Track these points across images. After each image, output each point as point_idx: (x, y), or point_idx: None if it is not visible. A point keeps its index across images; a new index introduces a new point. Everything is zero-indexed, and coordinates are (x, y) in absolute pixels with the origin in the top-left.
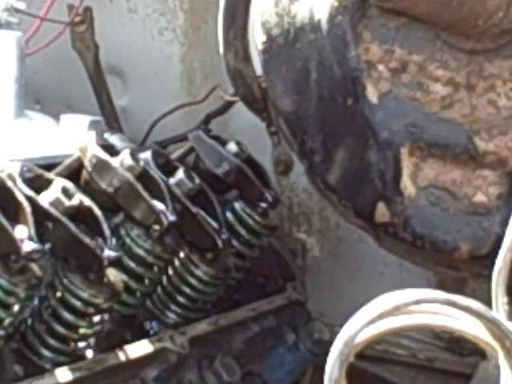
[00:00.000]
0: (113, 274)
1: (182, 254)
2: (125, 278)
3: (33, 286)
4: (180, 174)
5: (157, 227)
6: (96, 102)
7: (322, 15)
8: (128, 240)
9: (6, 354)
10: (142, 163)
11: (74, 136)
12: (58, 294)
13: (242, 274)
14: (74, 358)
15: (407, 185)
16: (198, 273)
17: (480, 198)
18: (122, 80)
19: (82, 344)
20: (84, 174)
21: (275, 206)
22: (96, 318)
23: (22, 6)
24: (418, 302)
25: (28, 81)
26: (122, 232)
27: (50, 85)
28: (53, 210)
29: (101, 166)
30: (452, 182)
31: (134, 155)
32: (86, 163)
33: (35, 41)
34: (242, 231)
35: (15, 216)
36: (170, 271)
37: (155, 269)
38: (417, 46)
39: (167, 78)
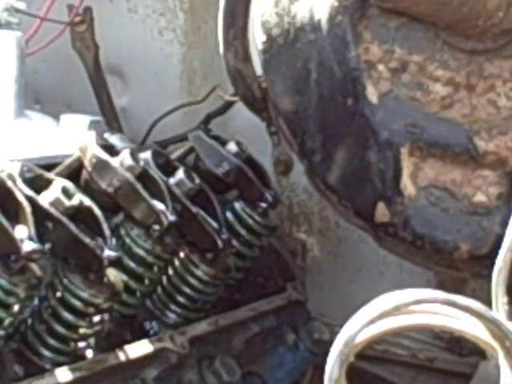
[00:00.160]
0: (113, 274)
1: (182, 254)
2: (125, 277)
3: (33, 285)
4: (180, 173)
5: (157, 227)
6: (96, 102)
7: (322, 15)
8: (128, 240)
9: (6, 353)
10: (141, 163)
11: (73, 136)
12: (58, 294)
13: (242, 273)
14: (74, 358)
15: (407, 185)
16: (198, 273)
17: (480, 197)
18: (122, 80)
19: (82, 344)
20: (84, 174)
21: (275, 206)
22: (96, 318)
23: (22, 5)
24: (418, 302)
25: (28, 81)
26: (122, 232)
27: (50, 85)
28: (53, 210)
29: (101, 166)
30: (452, 182)
31: (133, 155)
32: (86, 163)
33: (35, 41)
34: (242, 231)
35: (15, 216)
36: (170, 271)
37: (155, 269)
38: (417, 45)
39: (167, 77)
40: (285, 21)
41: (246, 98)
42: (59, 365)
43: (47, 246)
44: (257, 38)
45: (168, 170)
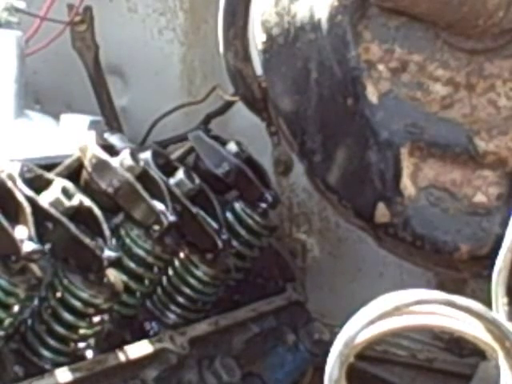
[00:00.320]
0: (113, 275)
1: (181, 255)
2: (125, 278)
3: (33, 286)
4: (180, 174)
5: (157, 227)
6: (96, 102)
7: (322, 15)
8: (128, 240)
9: (5, 354)
10: (141, 163)
11: (73, 136)
12: (58, 295)
13: (241, 274)
14: (73, 358)
15: (407, 185)
16: (198, 273)
17: (480, 198)
18: (122, 80)
19: (81, 344)
20: (84, 174)
21: (275, 207)
22: (96, 319)
23: (22, 5)
24: (417, 303)
25: (28, 80)
26: (122, 232)
27: (50, 85)
28: (53, 211)
29: (101, 166)
30: (452, 183)
31: (133, 155)
32: (86, 163)
33: (35, 40)
34: (242, 231)
35: (15, 216)
36: (170, 271)
37: (155, 269)
38: (417, 45)
39: (167, 77)
40: (285, 20)
41: (246, 97)
42: (59, 365)
43: (47, 246)
44: (257, 38)
45: (168, 170)
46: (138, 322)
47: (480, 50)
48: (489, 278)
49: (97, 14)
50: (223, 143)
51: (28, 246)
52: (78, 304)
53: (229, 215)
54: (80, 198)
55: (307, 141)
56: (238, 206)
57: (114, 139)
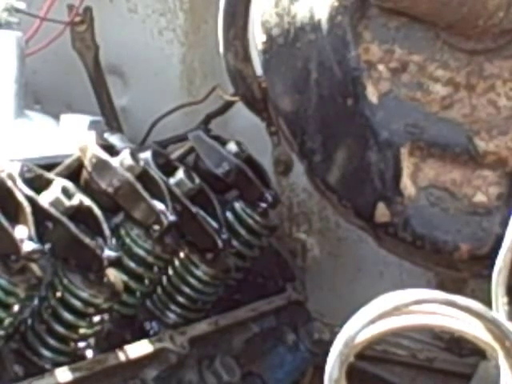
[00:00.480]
0: (113, 274)
1: (181, 254)
2: (125, 278)
3: (33, 286)
4: (180, 174)
5: (157, 227)
6: (96, 102)
7: (322, 15)
8: (128, 240)
9: (6, 354)
10: (141, 163)
11: (73, 136)
12: (58, 294)
13: (241, 274)
14: (73, 358)
15: (407, 185)
16: (198, 273)
17: (480, 198)
18: (122, 80)
19: (81, 344)
20: (84, 174)
21: (275, 206)
22: (96, 318)
23: (22, 5)
24: (417, 303)
25: (28, 81)
26: (122, 232)
27: (50, 85)
28: (53, 210)
29: (101, 166)
30: (452, 182)
31: (133, 155)
32: (86, 163)
33: (35, 41)
34: (242, 231)
35: (15, 216)
36: (170, 271)
37: (155, 269)
38: (417, 45)
39: (167, 77)
40: (285, 21)
41: (246, 98)
42: (59, 365)
43: (47, 246)
44: (257, 38)
45: (168, 170)
46: (138, 321)
47: (480, 51)
48: (489, 277)
49: (97, 14)
50: (223, 143)
51: (28, 246)
52: (78, 304)
53: (229, 215)
54: (80, 198)
55: (307, 141)
56: (238, 205)
57: (113, 139)
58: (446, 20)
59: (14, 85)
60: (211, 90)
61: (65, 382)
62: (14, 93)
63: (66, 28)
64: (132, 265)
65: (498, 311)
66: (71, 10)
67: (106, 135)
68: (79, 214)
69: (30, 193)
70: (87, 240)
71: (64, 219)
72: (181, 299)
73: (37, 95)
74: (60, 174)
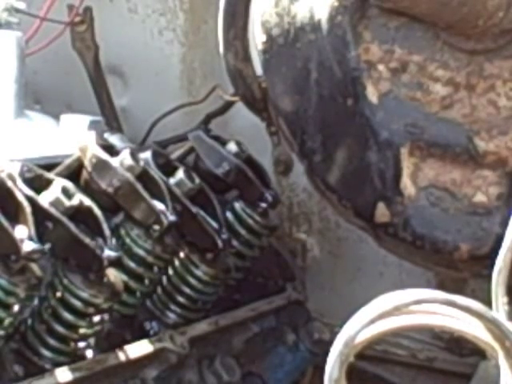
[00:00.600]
0: (113, 274)
1: (181, 254)
2: (125, 278)
3: (33, 286)
4: (180, 174)
5: (157, 227)
6: (96, 102)
7: (322, 15)
8: (128, 240)
9: (6, 354)
10: (141, 163)
11: (74, 136)
12: (58, 294)
13: (241, 274)
14: (73, 358)
15: (407, 185)
16: (198, 273)
17: (480, 198)
18: (122, 80)
19: (82, 344)
20: (84, 174)
21: (275, 206)
22: (96, 318)
23: (22, 5)
24: (417, 302)
25: (28, 81)
26: (122, 232)
27: (50, 85)
28: (53, 210)
29: (101, 166)
30: (452, 182)
31: (133, 155)
32: (86, 163)
33: (35, 41)
34: (242, 231)
35: (15, 216)
36: (170, 271)
37: (155, 269)
38: (417, 46)
39: (167, 77)
40: (285, 21)
41: (246, 98)
42: (59, 365)
43: (47, 246)
44: (257, 38)
45: (168, 170)
46: (138, 321)
47: (480, 51)
48: (489, 277)
49: (97, 14)
50: (223, 143)
51: (28, 246)
52: (78, 303)
53: (229, 215)
54: (80, 198)
55: (307, 141)
56: (238, 205)
57: (113, 139)
58: (446, 20)
59: (14, 85)
60: (211, 90)
61: (65, 382)
62: (14, 93)
63: (66, 28)
64: (132, 265)
65: (498, 311)
66: (71, 10)
67: (106, 135)
68: (79, 214)
69: (30, 193)
70: (87, 240)
71: (64, 219)
72: (181, 299)
73: (37, 95)
74: (60, 174)
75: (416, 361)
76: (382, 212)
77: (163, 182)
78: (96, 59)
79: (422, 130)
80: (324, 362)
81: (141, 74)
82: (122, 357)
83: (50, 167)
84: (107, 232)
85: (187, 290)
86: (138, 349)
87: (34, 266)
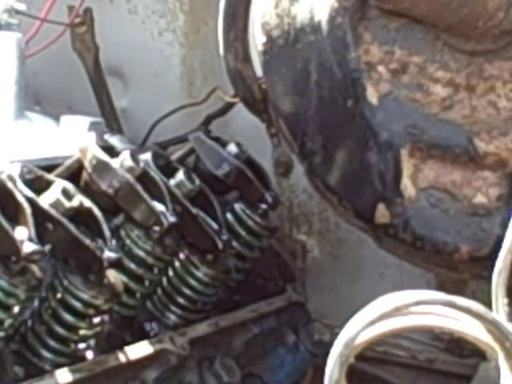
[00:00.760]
0: (113, 275)
1: (182, 256)
2: (125, 279)
3: (33, 287)
4: (180, 175)
5: (157, 228)
6: (96, 103)
7: (322, 16)
8: (128, 241)
9: (6, 355)
10: (142, 164)
11: (74, 137)
12: (58, 296)
13: (242, 275)
14: (74, 359)
15: (407, 186)
16: (198, 274)
17: (480, 199)
18: (122, 81)
19: (82, 345)
20: (84, 176)
21: (275, 208)
22: (96, 320)
23: (22, 7)
24: (418, 304)
25: (28, 82)
26: (122, 233)
27: (50, 86)
28: (53, 212)
29: (101, 167)
30: (452, 183)
31: (134, 156)
32: (86, 164)
33: (35, 42)
34: (242, 232)
35: (15, 217)
36: (170, 272)
37: (155, 270)
38: (417, 47)
39: (167, 79)
40: (285, 22)
41: (246, 99)
42: (59, 366)
43: (47, 247)
44: (257, 39)
45: (168, 171)
46: (138, 322)
47: (480, 52)
48: (489, 278)
49: (97, 15)
50: (223, 144)
51: (28, 247)
52: (78, 305)
53: (229, 216)
54: (80, 199)
55: (307, 142)
56: (238, 206)
57: (114, 140)
58: (446, 21)
59: (14, 86)
60: (211, 92)
61: (65, 383)
62: (14, 94)
63: (66, 29)
64: (132, 266)
65: (498, 312)
66: (71, 11)
67: (106, 136)
68: (79, 216)
69: (30, 194)
70: (87, 241)
71: (64, 220)
72: (181, 300)
73: (37, 96)
74: (60, 176)
75: (416, 362)
76: (382, 213)
77: (163, 183)
78: (96, 60)
79: (422, 131)
80: (324, 363)
81: (141, 75)
82: (122, 358)
83: (50, 168)
84: (107, 233)
85: (187, 291)
86: (138, 350)
87: (34, 267)
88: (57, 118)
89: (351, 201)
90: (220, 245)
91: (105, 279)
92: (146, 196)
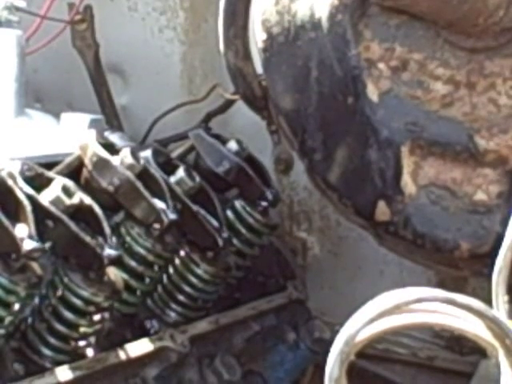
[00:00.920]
0: (113, 273)
1: (182, 253)
2: (125, 276)
3: (33, 284)
4: (180, 172)
5: (157, 226)
6: (96, 101)
7: (323, 13)
8: (128, 238)
9: (6, 352)
10: (142, 162)
11: (74, 134)
12: (59, 293)
13: (242, 272)
14: (74, 356)
15: (408, 183)
16: (199, 271)
17: (480, 196)
18: (123, 78)
19: (82, 343)
20: (84, 173)
21: (275, 205)
22: (96, 317)
23: (22, 4)
24: (418, 301)
25: (28, 79)
26: (123, 230)
27: (51, 83)
28: (53, 209)
29: (101, 165)
30: (452, 181)
31: (134, 154)
32: (87, 162)
33: (35, 39)
34: (243, 230)
35: (16, 214)
36: (171, 270)
37: (156, 267)
38: (417, 44)
39: (167, 76)
40: (285, 19)
41: (247, 96)
42: (59, 363)
43: (47, 244)
44: (257, 37)
45: (168, 168)
46: (138, 320)
47: (480, 49)
48: (489, 276)
49: (97, 12)
50: (224, 142)
51: (28, 245)
52: (78, 302)
53: (229, 213)
54: (80, 197)
55: (308, 139)
56: (238, 204)
57: (114, 138)
58: (447, 18)
59: (15, 83)
60: (211, 89)
61: (65, 380)
62: (15, 91)
63: (66, 26)
64: (132, 263)
65: (499, 309)
66: (71, 8)
67: (107, 134)
68: (80, 213)
69: (31, 191)
70: (88, 238)
71: (64, 218)
72: (181, 298)
73: (37, 94)
74: (60, 173)
75: (416, 359)
76: (382, 210)
77: (164, 180)
78: (96, 57)
79: (422, 129)
80: (324, 360)
81: (141, 73)
82: (122, 355)
83: (50, 166)
84: (108, 230)
85: (188, 289)
86: (139, 347)
87: (35, 265)
88: (57, 116)
89: (351, 198)
90: (220, 242)
91: (105, 276)
92: (146, 193)
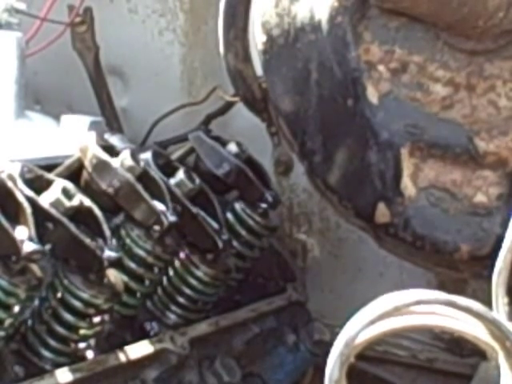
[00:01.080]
0: (113, 275)
1: (182, 255)
2: (125, 278)
3: (33, 286)
4: (180, 174)
5: (157, 228)
6: (96, 103)
7: (323, 16)
8: (128, 241)
9: (6, 354)
10: (142, 164)
11: (74, 136)
12: (59, 295)
13: (242, 274)
14: (74, 358)
15: (407, 185)
16: (199, 273)
17: (480, 198)
18: (123, 80)
19: (82, 345)
20: (84, 175)
21: (275, 207)
22: (96, 319)
23: (22, 6)
24: (418, 303)
25: (28, 81)
26: (123, 233)
27: (51, 85)
28: (53, 211)
29: (101, 167)
30: (452, 183)
31: (134, 156)
32: (87, 164)
33: (35, 41)
34: (243, 232)
35: (15, 217)
36: (171, 272)
37: (155, 269)
38: (417, 46)
39: (167, 78)
40: (285, 21)
41: (247, 98)
42: (59, 366)
43: (47, 246)
44: (257, 39)
45: (168, 170)
46: (138, 322)
47: (480, 51)
48: (489, 278)
49: (97, 14)
50: (223, 144)
51: (28, 247)
52: (78, 304)
53: (229, 215)
54: (80, 199)
55: (307, 141)
56: (238, 206)
57: (114, 140)
58: (446, 20)
59: (15, 85)
60: (211, 91)
61: (65, 382)
62: (15, 93)
63: (66, 28)
64: (132, 265)
65: (499, 312)
66: (71, 10)
67: (107, 136)
68: (79, 215)
69: (31, 193)
70: (87, 241)
71: (64, 220)
72: (181, 300)
73: (37, 96)
74: (60, 175)
75: (416, 361)
76: (382, 212)
77: (163, 182)
78: (96, 60)
79: (422, 131)
80: (324, 362)
81: (141, 75)
82: (122, 357)
83: (50, 168)
84: (107, 233)
85: (187, 291)
86: (139, 349)
87: (35, 267)
88: (57, 118)
89: (351, 200)
90: (220, 244)
91: (105, 279)
92: (146, 195)
